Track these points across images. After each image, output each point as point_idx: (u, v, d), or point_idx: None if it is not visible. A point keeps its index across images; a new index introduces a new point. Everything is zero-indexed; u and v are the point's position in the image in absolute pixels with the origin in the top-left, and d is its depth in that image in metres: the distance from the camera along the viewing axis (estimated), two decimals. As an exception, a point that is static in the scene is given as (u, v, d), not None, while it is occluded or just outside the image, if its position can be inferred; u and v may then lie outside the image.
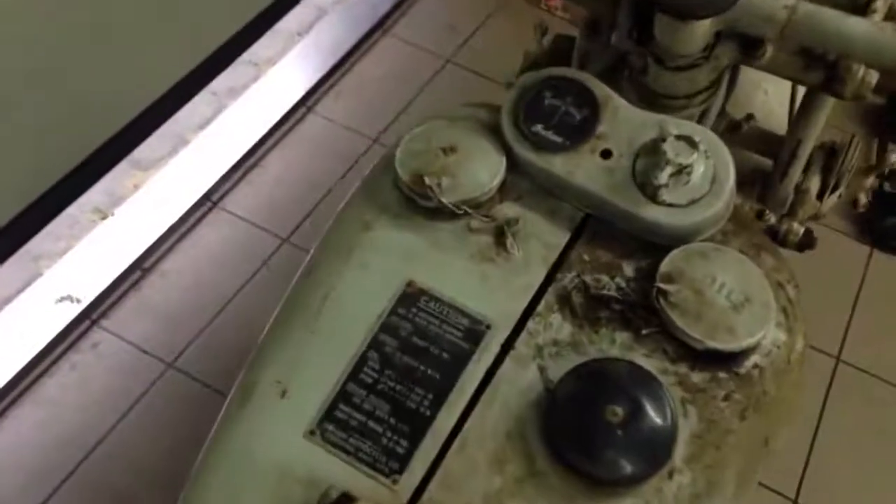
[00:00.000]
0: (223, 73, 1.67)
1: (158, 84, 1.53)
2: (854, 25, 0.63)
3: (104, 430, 1.42)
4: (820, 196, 0.91)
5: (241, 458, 0.60)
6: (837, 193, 0.93)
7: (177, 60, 1.55)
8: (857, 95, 0.68)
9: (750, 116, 0.90)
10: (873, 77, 0.68)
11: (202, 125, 1.65)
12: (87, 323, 1.51)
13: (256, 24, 1.66)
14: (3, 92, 1.28)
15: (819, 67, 0.68)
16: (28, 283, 1.45)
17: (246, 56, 1.70)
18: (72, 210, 1.50)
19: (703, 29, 0.65)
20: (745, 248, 0.67)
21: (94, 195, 1.53)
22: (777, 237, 0.85)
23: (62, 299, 1.51)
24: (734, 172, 0.65)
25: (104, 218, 1.53)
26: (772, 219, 0.86)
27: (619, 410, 0.58)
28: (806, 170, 0.89)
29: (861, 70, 0.67)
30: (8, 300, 1.44)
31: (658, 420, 0.58)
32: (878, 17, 0.67)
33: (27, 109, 1.32)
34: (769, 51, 0.68)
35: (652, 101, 0.72)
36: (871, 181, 0.94)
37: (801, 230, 0.85)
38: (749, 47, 0.68)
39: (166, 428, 1.43)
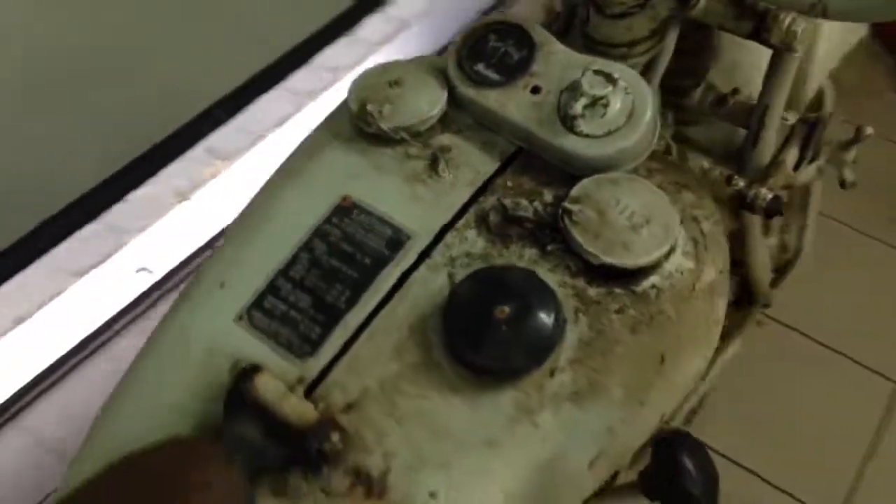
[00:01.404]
0: (301, 75, 1.80)
1: (236, 77, 1.67)
2: None
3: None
4: (796, 167, 0.92)
5: (177, 339, 0.68)
6: (815, 165, 0.94)
7: (252, 58, 1.69)
8: (784, 43, 0.71)
9: (735, 91, 0.93)
10: (800, 25, 0.71)
11: (279, 123, 1.78)
12: (157, 294, 1.65)
13: (333, 28, 1.79)
14: (95, 68, 1.44)
15: (749, 17, 0.72)
16: (110, 254, 1.61)
17: (323, 60, 1.83)
18: (152, 189, 1.65)
19: None
20: (665, 185, 0.71)
21: (174, 179, 1.68)
22: (745, 201, 0.88)
23: (140, 270, 1.66)
24: (652, 108, 0.69)
25: (182, 201, 1.67)
26: (740, 183, 0.88)
27: (507, 309, 0.62)
28: (786, 142, 0.91)
29: (788, 18, 0.70)
30: (91, 267, 1.60)
31: (543, 321, 0.62)
32: None
33: (114, 88, 1.48)
34: (702, 1, 0.73)
35: (594, 49, 0.76)
36: (852, 155, 0.95)
37: (769, 195, 0.87)
38: None
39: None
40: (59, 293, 1.57)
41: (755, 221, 1.00)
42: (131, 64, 1.48)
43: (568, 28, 0.82)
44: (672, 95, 0.92)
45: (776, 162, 0.90)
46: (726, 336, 1.30)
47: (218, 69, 1.64)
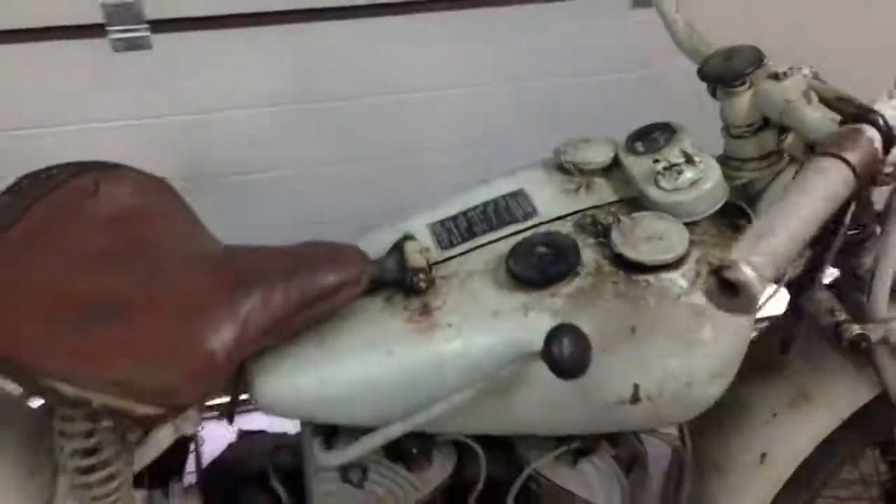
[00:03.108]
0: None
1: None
2: (811, 115, 0.96)
3: None
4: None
5: (397, 227, 1.16)
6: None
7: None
8: None
9: None
10: None
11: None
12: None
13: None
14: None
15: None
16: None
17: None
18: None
19: (740, 104, 1.04)
20: (707, 239, 1.02)
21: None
22: (836, 331, 1.10)
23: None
24: (714, 184, 1.02)
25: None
26: (840, 316, 1.11)
27: (544, 249, 1.01)
28: None
29: None
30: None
31: (558, 264, 1.00)
32: None
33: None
34: (790, 137, 1.03)
35: (724, 162, 1.09)
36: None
37: (856, 332, 1.08)
38: (781, 133, 1.04)
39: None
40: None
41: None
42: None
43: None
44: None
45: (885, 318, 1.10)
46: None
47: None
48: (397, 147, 1.97)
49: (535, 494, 1.15)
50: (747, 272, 0.65)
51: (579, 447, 1.13)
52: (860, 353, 1.10)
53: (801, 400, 1.22)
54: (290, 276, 1.03)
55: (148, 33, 1.68)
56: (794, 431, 1.23)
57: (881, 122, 0.78)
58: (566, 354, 0.89)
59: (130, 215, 1.10)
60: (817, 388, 1.22)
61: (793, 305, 0.99)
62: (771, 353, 1.30)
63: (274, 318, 1.00)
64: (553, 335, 0.90)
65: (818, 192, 0.71)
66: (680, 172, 1.03)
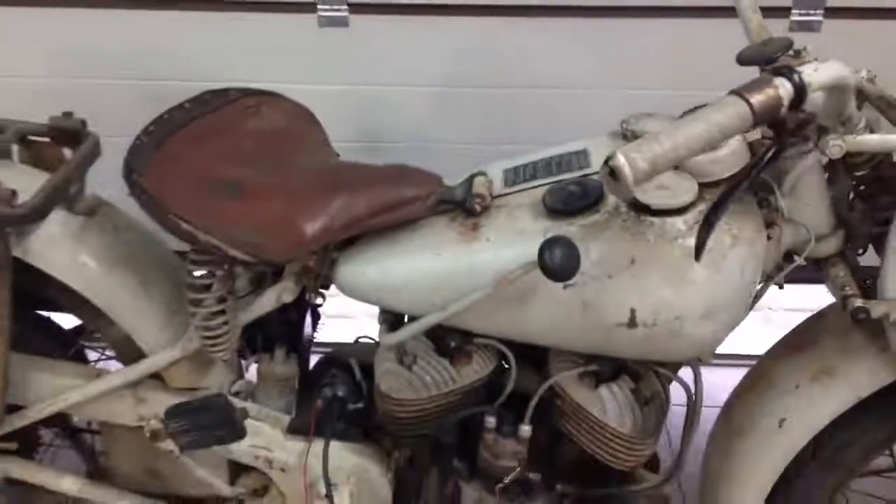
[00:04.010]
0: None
1: None
2: None
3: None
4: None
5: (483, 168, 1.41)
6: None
7: None
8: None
9: None
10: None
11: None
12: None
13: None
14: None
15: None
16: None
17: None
18: None
19: None
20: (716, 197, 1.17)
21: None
22: (844, 302, 1.21)
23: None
24: (730, 152, 1.17)
25: None
26: (848, 291, 1.22)
27: (574, 188, 1.22)
28: None
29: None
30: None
31: (582, 201, 1.20)
32: None
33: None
34: None
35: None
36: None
37: (858, 304, 1.19)
38: None
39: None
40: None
41: None
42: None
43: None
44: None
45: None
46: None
47: None
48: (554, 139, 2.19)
49: (558, 409, 1.34)
50: (621, 160, 0.84)
51: (597, 371, 1.31)
52: (861, 325, 1.19)
53: (824, 375, 1.31)
54: (374, 188, 1.31)
55: (347, 13, 2.03)
56: (812, 403, 1.31)
57: (796, 77, 0.92)
58: (556, 260, 1.09)
59: (277, 132, 1.44)
60: (841, 364, 1.29)
61: (705, 219, 1.11)
62: (805, 329, 1.40)
63: (354, 217, 1.28)
64: (546, 244, 1.10)
65: (711, 119, 0.87)
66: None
